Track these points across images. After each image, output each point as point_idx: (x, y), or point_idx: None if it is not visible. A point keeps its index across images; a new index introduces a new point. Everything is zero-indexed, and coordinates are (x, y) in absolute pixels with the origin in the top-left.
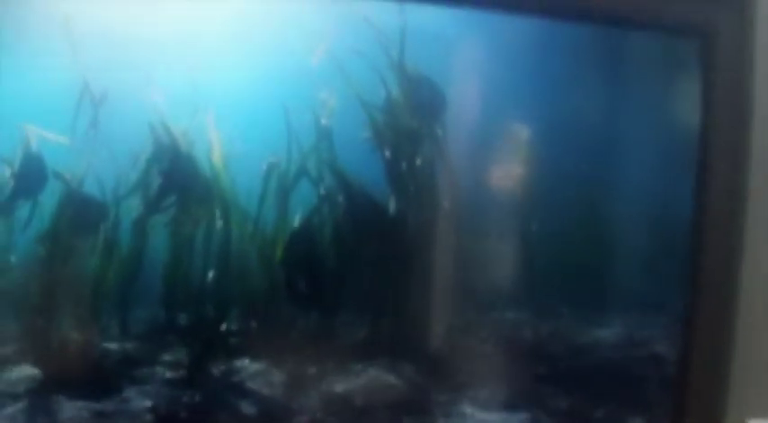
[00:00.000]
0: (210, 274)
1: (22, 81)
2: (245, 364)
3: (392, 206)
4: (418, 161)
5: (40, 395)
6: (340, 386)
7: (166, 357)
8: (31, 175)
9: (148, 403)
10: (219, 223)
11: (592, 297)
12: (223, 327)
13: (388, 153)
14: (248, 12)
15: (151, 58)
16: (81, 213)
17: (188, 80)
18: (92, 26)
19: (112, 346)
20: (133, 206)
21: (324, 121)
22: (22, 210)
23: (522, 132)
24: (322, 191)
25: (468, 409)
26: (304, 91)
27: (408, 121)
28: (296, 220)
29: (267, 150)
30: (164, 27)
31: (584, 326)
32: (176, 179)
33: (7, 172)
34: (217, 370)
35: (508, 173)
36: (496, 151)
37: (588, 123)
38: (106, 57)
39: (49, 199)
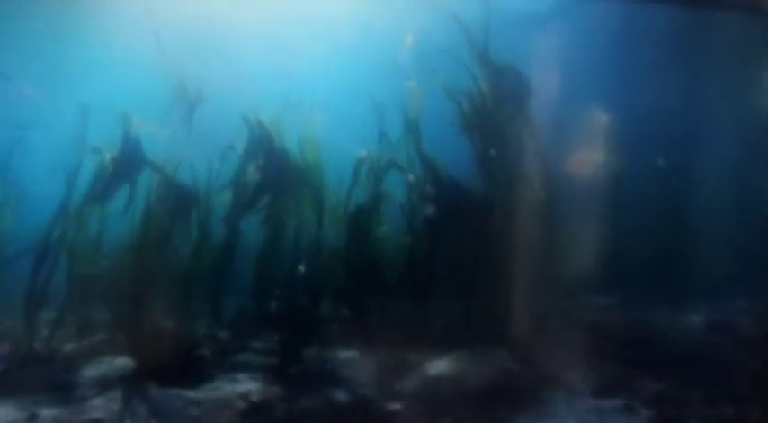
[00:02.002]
0: (303, 263)
1: (122, 76)
2: (337, 352)
3: (480, 193)
4: (505, 149)
5: (133, 383)
6: (431, 372)
7: (258, 345)
8: (129, 160)
9: (240, 390)
10: (311, 213)
11: (679, 284)
12: (315, 314)
13: (475, 141)
14: (338, 8)
15: (244, 54)
16: (175, 202)
17: (280, 75)
18: (186, 24)
19: (205, 333)
20: (227, 196)
21: (412, 113)
22: (119, 197)
23: (608, 120)
24: (411, 180)
25: (558, 395)
26: (393, 84)
27: (495, 109)
28: (386, 209)
29: (358, 142)
30: (256, 24)
31: (673, 312)
32: (270, 171)
33: (107, 157)
34: (308, 357)
35: (594, 159)
36: (582, 138)
37: (673, 110)
38: (200, 54)
39: (144, 187)
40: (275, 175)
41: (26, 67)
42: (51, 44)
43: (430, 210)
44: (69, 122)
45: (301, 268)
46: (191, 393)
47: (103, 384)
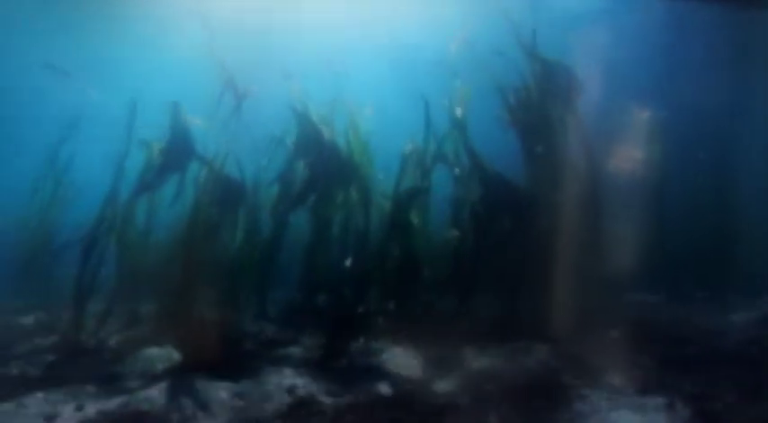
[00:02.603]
0: (350, 257)
1: (172, 70)
2: (383, 346)
3: (526, 189)
4: (551, 144)
5: (179, 375)
6: (475, 367)
7: (304, 338)
8: (178, 152)
9: (286, 383)
10: (359, 207)
11: (724, 281)
12: (360, 308)
13: (522, 136)
14: (387, 4)
15: (293, 49)
16: (223, 195)
17: (329, 70)
18: (236, 18)
19: (251, 326)
20: (274, 190)
21: (460, 108)
22: (167, 190)
23: (654, 116)
24: (458, 174)
25: (602, 392)
26: (441, 79)
27: (542, 105)
28: (433, 204)
29: (406, 136)
30: (305, 19)
31: (717, 310)
32: (319, 165)
33: (156, 149)
34: (354, 351)
35: (640, 155)
36: (628, 134)
37: (720, 106)
38: (248, 49)
39: (193, 180)
40: (324, 169)
41: (79, 61)
42: (103, 39)
43: (476, 204)
44: (120, 115)
45: (348, 262)
46: (236, 386)
47: (150, 376)
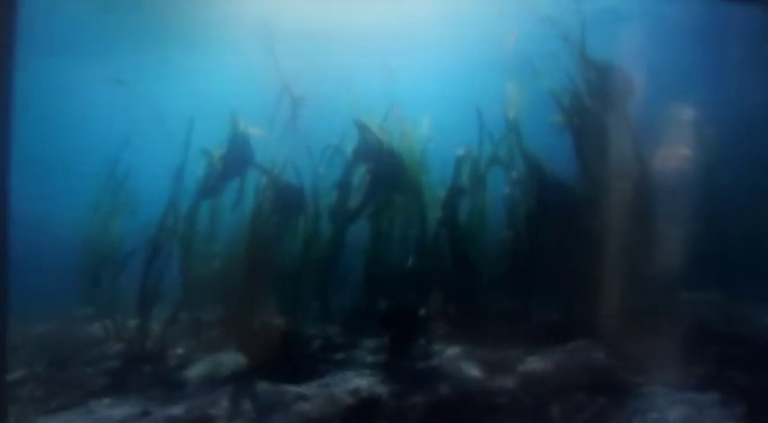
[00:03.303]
0: (410, 261)
1: (229, 79)
2: (443, 347)
3: (580, 190)
4: (604, 146)
5: (243, 379)
6: (533, 367)
7: (367, 342)
8: (237, 159)
9: (349, 386)
10: (417, 212)
11: None
12: (421, 311)
13: (575, 138)
14: (439, 12)
15: (348, 56)
16: (283, 202)
17: (383, 77)
18: (291, 29)
19: (314, 331)
20: (334, 196)
21: (513, 112)
22: (227, 197)
23: (705, 116)
24: (514, 177)
25: (658, 389)
26: (493, 84)
27: (593, 106)
28: (490, 207)
29: (460, 141)
30: (359, 27)
31: None
32: (379, 172)
33: (216, 156)
34: (416, 353)
35: (692, 155)
36: (680, 135)
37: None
38: (305, 56)
39: (253, 187)
40: (383, 175)
41: (136, 70)
42: (159, 48)
43: (532, 207)
44: (177, 124)
45: (408, 266)
46: (300, 389)
47: (215, 381)
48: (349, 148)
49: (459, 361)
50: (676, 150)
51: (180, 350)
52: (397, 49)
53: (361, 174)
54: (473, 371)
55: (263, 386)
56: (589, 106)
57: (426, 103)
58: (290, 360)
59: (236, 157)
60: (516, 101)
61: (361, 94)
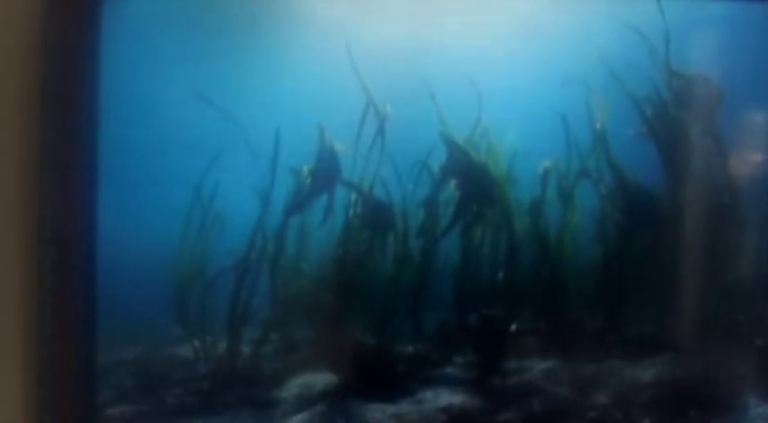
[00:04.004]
0: (499, 276)
1: (315, 95)
2: (535, 363)
3: (669, 200)
4: (691, 154)
5: (335, 398)
6: (626, 380)
7: (458, 358)
8: (326, 175)
9: (441, 403)
10: (506, 226)
11: None
12: (512, 327)
13: (661, 148)
14: (522, 25)
15: (431, 71)
16: (372, 218)
17: (468, 91)
18: (375, 43)
19: (405, 348)
20: (422, 212)
21: (599, 123)
22: (316, 214)
23: None
24: (603, 190)
25: (751, 401)
26: (579, 96)
27: (678, 116)
28: (579, 220)
29: (547, 154)
30: (445, 37)
31: None
32: (469, 187)
33: (304, 172)
34: (507, 369)
35: None
36: (765, 142)
37: None
38: (388, 72)
39: (342, 203)
40: (472, 190)
41: (220, 87)
42: (243, 63)
43: (622, 219)
44: (264, 141)
45: (497, 281)
46: (393, 407)
47: (306, 400)
48: (436, 163)
49: (550, 376)
50: (764, 159)
51: (270, 370)
52: (481, 62)
53: (449, 189)
54: (564, 386)
55: (354, 404)
56: (674, 116)
57: (512, 115)
58: (382, 378)
59: (325, 173)
60: (602, 112)
61: (447, 109)
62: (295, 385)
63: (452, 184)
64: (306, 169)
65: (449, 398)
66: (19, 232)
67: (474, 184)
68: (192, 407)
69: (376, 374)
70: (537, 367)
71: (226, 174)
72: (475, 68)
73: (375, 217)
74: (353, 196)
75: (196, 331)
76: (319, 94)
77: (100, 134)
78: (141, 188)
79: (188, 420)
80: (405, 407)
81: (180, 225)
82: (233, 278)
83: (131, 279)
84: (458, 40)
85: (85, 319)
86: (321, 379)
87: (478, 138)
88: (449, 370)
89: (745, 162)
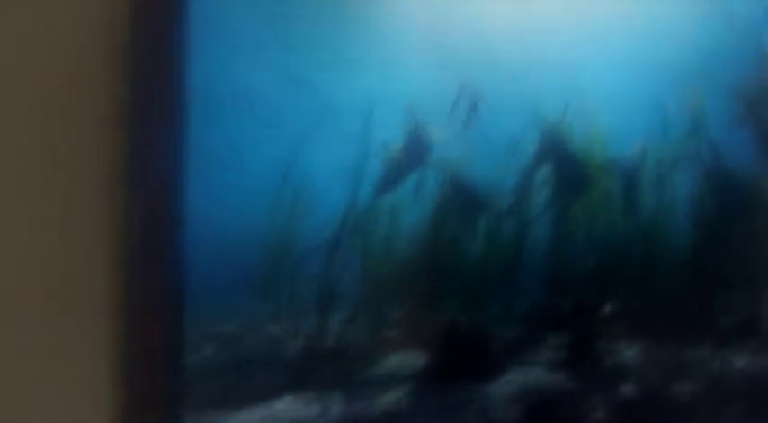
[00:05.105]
0: (592, 259)
1: (405, 74)
2: (626, 346)
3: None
4: None
5: (424, 377)
6: (718, 367)
7: (549, 340)
8: (417, 151)
9: (532, 385)
10: (600, 209)
11: None
12: (605, 309)
13: (759, 134)
14: (616, 8)
15: (527, 52)
16: (463, 200)
17: (562, 72)
18: (469, 23)
19: (496, 329)
20: (516, 193)
21: (695, 109)
22: (407, 191)
23: None
24: (699, 175)
25: None
26: (674, 81)
27: None
28: (675, 204)
29: (642, 137)
30: (537, 19)
31: None
32: (562, 172)
33: (395, 150)
34: (599, 351)
35: None
36: None
37: None
38: (484, 52)
39: (432, 184)
40: (565, 172)
41: (309, 69)
42: (332, 45)
43: (718, 204)
44: (354, 120)
45: (590, 264)
46: (482, 387)
47: (396, 379)
48: (530, 145)
49: (641, 360)
50: None
51: (360, 349)
52: (575, 42)
53: (542, 171)
54: (655, 370)
55: (444, 384)
56: None
57: (606, 97)
58: (472, 358)
59: (416, 152)
60: (698, 97)
61: (542, 91)
62: (385, 364)
63: (546, 167)
64: (397, 147)
65: (539, 379)
66: (107, 217)
67: (568, 167)
68: (281, 383)
69: (467, 355)
70: (628, 351)
71: (315, 155)
72: (572, 52)
73: (466, 198)
74: (444, 176)
75: (285, 310)
76: (410, 72)
77: (188, 119)
78: (230, 172)
79: (279, 396)
80: (494, 387)
81: (269, 205)
82: (323, 256)
83: (221, 259)
84: (555, 23)
85: (175, 298)
86: (411, 358)
87: (573, 121)
88: (539, 351)
89: None
